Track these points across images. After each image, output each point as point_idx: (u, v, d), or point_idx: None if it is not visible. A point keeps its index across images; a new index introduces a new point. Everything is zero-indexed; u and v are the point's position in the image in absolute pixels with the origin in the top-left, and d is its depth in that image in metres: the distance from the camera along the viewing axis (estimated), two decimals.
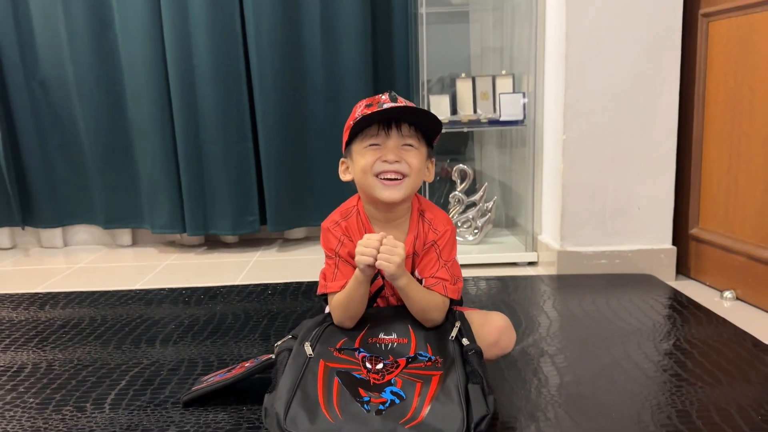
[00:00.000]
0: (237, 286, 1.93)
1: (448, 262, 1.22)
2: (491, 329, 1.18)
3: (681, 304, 1.67)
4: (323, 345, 1.15)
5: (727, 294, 1.76)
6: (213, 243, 2.63)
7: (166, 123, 2.42)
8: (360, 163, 1.17)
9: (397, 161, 1.14)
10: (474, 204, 2.31)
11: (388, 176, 1.15)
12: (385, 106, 1.15)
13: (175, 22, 2.34)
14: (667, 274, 1.94)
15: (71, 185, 2.59)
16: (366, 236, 1.13)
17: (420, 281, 1.22)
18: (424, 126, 1.19)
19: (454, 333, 1.15)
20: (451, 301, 1.22)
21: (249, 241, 2.64)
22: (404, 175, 1.15)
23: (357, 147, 1.19)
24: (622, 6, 1.83)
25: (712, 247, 1.86)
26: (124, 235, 2.68)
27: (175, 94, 2.38)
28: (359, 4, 2.36)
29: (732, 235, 1.78)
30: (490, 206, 2.30)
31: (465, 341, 1.12)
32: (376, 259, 1.09)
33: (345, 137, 1.22)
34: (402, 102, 1.17)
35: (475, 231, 2.29)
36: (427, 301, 1.16)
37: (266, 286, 1.91)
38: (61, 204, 2.61)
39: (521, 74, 2.25)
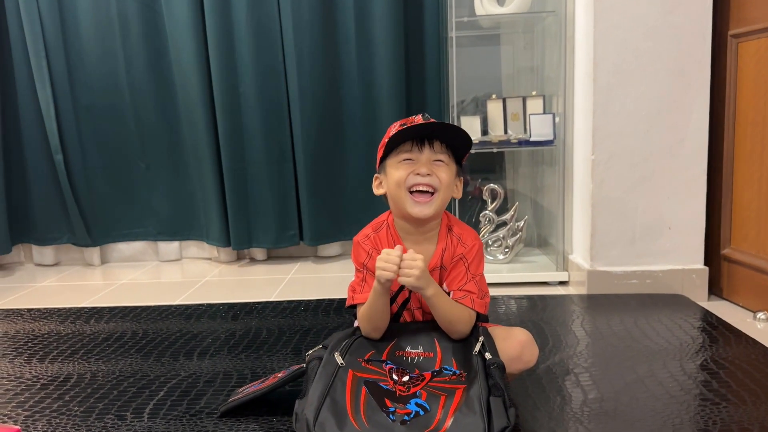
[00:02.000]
0: (272, 302, 1.99)
1: (476, 276, 1.26)
2: (513, 343, 1.21)
3: (711, 325, 1.66)
4: (352, 356, 1.20)
5: (761, 315, 1.75)
6: (251, 260, 2.71)
7: (212, 145, 2.55)
8: (394, 177, 1.23)
9: (429, 174, 1.20)
10: (505, 223, 2.34)
11: (420, 188, 1.20)
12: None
13: (222, 52, 2.46)
14: (699, 294, 1.93)
15: (122, 202, 2.73)
16: (385, 251, 1.18)
17: (448, 294, 1.26)
18: (455, 144, 1.24)
19: (477, 347, 1.18)
20: (477, 315, 1.26)
21: (284, 258, 2.71)
22: (435, 189, 1.21)
23: (391, 161, 1.25)
24: (649, 28, 1.85)
25: (744, 267, 1.85)
26: (171, 251, 2.78)
27: (221, 119, 2.51)
28: (392, 30, 2.45)
29: (765, 256, 1.76)
30: (521, 225, 2.33)
31: (488, 355, 1.15)
32: (396, 274, 1.15)
33: (380, 154, 1.28)
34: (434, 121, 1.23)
35: (506, 250, 2.32)
36: (454, 312, 1.20)
37: (299, 302, 1.97)
38: (109, 221, 2.75)
39: (551, 95, 2.28)
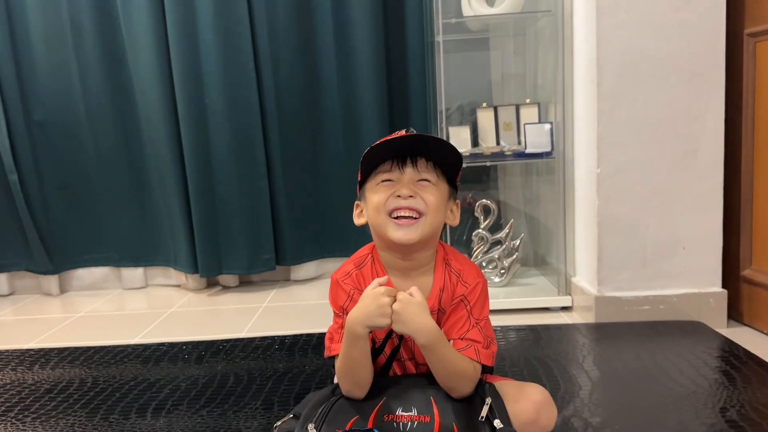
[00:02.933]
0: (242, 339, 1.77)
1: (480, 321, 1.06)
2: (528, 405, 1.00)
3: (738, 359, 1.47)
4: (330, 426, 0.98)
5: None
6: (222, 288, 2.48)
7: (176, 162, 2.32)
8: (372, 201, 1.04)
9: (411, 196, 1.01)
10: (499, 242, 2.14)
11: (402, 213, 1.02)
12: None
13: (185, 60, 2.25)
14: (717, 320, 1.74)
15: (79, 226, 2.49)
16: (372, 291, 0.98)
17: None
18: (443, 162, 1.05)
19: (484, 412, 0.97)
20: (483, 368, 1.05)
21: (260, 283, 2.49)
22: (420, 213, 1.02)
23: (370, 185, 1.06)
24: (658, 27, 1.67)
25: (767, 290, 1.66)
26: (135, 278, 2.54)
27: (185, 133, 2.28)
28: (373, 36, 2.28)
29: None
30: (517, 245, 2.13)
31: (497, 423, 0.95)
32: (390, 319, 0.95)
33: (359, 177, 1.08)
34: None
35: (502, 272, 2.11)
36: (456, 366, 1.00)
37: (273, 339, 1.75)
38: (69, 246, 2.50)
39: (547, 103, 2.09)
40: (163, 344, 1.77)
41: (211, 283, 2.50)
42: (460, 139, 2.13)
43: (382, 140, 1.02)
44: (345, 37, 2.31)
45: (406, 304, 0.97)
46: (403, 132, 1.05)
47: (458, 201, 1.12)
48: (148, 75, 2.27)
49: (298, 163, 2.36)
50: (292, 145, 2.35)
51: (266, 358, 1.60)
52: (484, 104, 2.20)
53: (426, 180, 1.04)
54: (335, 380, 1.10)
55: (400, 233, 1.01)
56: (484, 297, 1.08)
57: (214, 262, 2.34)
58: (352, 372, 1.02)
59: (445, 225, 1.10)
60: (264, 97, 2.31)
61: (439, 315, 1.08)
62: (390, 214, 1.02)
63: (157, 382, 1.50)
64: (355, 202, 1.12)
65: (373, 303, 0.97)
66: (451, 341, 1.04)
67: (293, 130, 2.35)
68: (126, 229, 2.48)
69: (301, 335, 1.76)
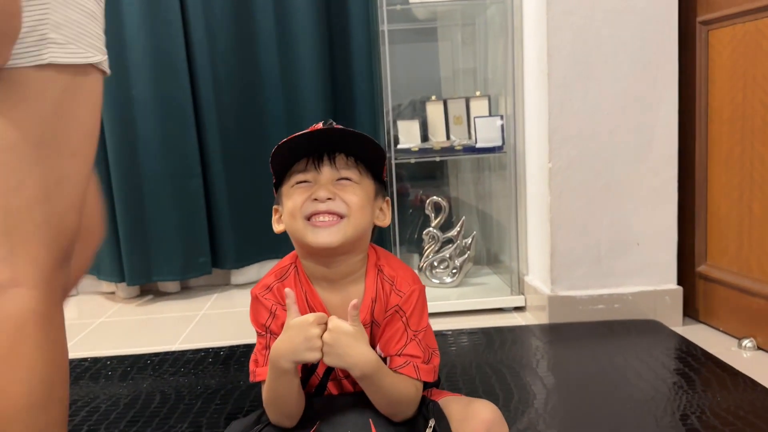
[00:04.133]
0: (173, 353, 1.62)
1: (418, 333, 0.95)
2: (476, 425, 0.89)
3: (697, 359, 1.41)
4: None
5: (747, 343, 1.51)
6: (155, 295, 2.32)
7: (99, 159, 2.13)
8: (288, 206, 0.93)
9: (330, 198, 0.90)
10: (451, 241, 2.04)
11: (321, 218, 0.90)
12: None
13: (108, 48, 2.06)
14: (672, 318, 1.69)
15: None
16: (295, 323, 0.87)
17: (383, 361, 0.94)
18: (365, 156, 0.95)
19: None
20: (425, 384, 0.95)
21: (199, 289, 2.34)
22: (341, 216, 0.90)
23: (285, 188, 0.95)
24: (609, 15, 1.60)
25: (723, 286, 1.61)
26: None
27: (109, 127, 2.11)
28: (315, 26, 2.16)
29: (748, 274, 1.53)
30: (468, 243, 2.04)
31: None
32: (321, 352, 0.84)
33: (274, 178, 0.96)
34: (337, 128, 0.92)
35: (454, 271, 2.02)
36: (396, 393, 0.89)
37: (207, 351, 1.61)
38: None
39: (498, 95, 2.01)
40: (85, 360, 1.62)
41: (146, 290, 2.34)
42: (409, 133, 2.03)
43: (291, 136, 0.91)
44: (286, 26, 2.18)
45: (338, 335, 0.86)
46: (320, 125, 0.94)
47: (388, 198, 1.02)
48: None
49: (237, 159, 2.23)
50: (231, 141, 2.21)
51: (198, 374, 1.47)
52: (434, 97, 2.11)
53: (346, 179, 0.93)
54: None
55: (319, 237, 0.90)
56: (422, 305, 0.98)
57: (144, 269, 2.17)
58: (280, 404, 0.91)
59: (375, 227, 0.99)
60: (198, 89, 2.16)
61: (373, 328, 0.97)
62: (308, 219, 0.91)
63: (76, 402, 1.35)
64: (274, 206, 1.00)
65: (299, 335, 0.86)
66: (388, 358, 0.94)
67: (231, 125, 2.21)
68: None
69: (237, 346, 1.63)
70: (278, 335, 0.92)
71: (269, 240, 2.29)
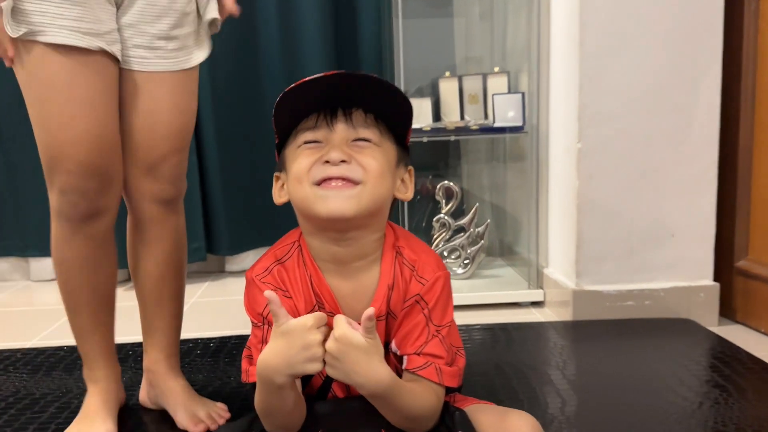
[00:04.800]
0: None
1: (442, 329, 0.80)
2: None
3: (739, 363, 1.26)
4: None
5: None
6: None
7: None
8: (293, 170, 0.77)
9: (344, 161, 0.74)
10: (463, 229, 1.89)
11: (333, 183, 0.75)
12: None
13: None
14: (707, 317, 1.54)
15: None
16: (291, 327, 0.71)
17: (399, 359, 0.79)
18: (388, 113, 0.78)
19: None
20: (447, 389, 0.80)
21: (190, 276, 2.18)
22: (356, 183, 0.75)
23: (290, 149, 0.79)
24: None
25: (766, 284, 1.46)
26: (45, 269, 2.20)
27: None
28: None
29: None
30: (481, 231, 1.88)
31: None
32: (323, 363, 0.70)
33: (276, 138, 0.81)
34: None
35: (466, 262, 1.87)
36: (413, 404, 0.74)
37: (196, 342, 1.46)
38: None
39: (518, 71, 1.85)
40: (61, 348, 1.47)
41: (123, 277, 2.18)
42: (420, 112, 1.87)
43: (299, 82, 0.75)
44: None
45: (346, 347, 0.70)
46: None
47: (411, 168, 0.86)
48: None
49: (233, 136, 2.07)
50: (227, 117, 2.06)
51: (184, 367, 1.30)
52: (447, 74, 1.95)
53: (365, 140, 0.78)
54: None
55: (330, 204, 0.74)
56: (447, 296, 0.83)
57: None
58: (274, 415, 0.77)
59: (395, 200, 0.84)
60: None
61: (389, 321, 0.82)
62: (317, 185, 0.76)
63: (43, 398, 1.20)
64: (275, 174, 0.85)
65: (296, 342, 0.70)
66: (405, 357, 0.79)
67: (228, 100, 2.05)
68: (32, 213, 2.13)
69: (229, 338, 1.47)
70: None
71: (267, 225, 2.14)
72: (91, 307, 1.03)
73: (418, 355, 0.78)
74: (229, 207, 2.10)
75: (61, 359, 1.40)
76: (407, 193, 0.84)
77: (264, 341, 0.79)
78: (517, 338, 1.43)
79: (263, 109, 2.09)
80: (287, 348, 0.70)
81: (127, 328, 1.62)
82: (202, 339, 1.47)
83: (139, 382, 1.19)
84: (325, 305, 0.81)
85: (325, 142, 0.77)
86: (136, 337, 1.50)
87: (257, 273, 0.82)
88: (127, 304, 1.78)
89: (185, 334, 1.52)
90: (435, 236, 1.90)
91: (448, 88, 1.94)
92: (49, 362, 1.38)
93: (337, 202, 0.74)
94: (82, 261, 0.97)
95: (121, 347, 1.43)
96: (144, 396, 1.14)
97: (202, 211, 2.06)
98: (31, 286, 2.17)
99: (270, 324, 0.79)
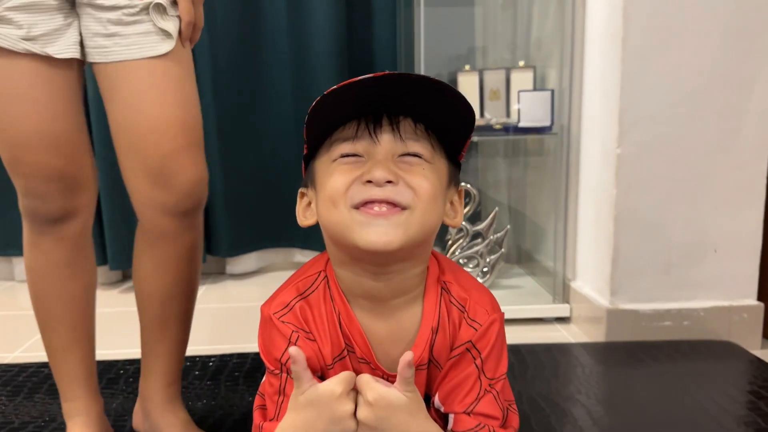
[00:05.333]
0: None
1: (496, 383, 0.67)
2: None
3: None
4: None
5: None
6: None
7: None
8: (326, 189, 0.63)
9: (390, 181, 0.61)
10: (480, 235, 1.76)
11: (376, 208, 0.61)
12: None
13: None
14: (749, 339, 1.42)
15: None
16: (317, 396, 0.60)
17: (442, 417, 0.67)
18: (443, 123, 0.65)
19: None
20: None
21: None
22: (404, 207, 0.61)
23: (322, 162, 0.66)
24: None
25: None
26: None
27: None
28: None
29: None
30: (500, 238, 1.75)
31: None
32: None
33: (305, 149, 0.67)
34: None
35: (485, 270, 1.74)
36: None
37: (193, 361, 1.32)
38: None
39: (545, 67, 1.71)
40: (45, 365, 1.33)
41: (127, 276, 2.05)
42: None
43: (340, 85, 0.61)
44: None
45: (384, 411, 0.59)
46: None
47: (462, 187, 0.73)
48: None
49: (235, 130, 1.93)
50: (228, 109, 1.91)
51: (182, 391, 1.18)
52: (467, 67, 1.81)
53: (414, 155, 0.64)
54: None
55: (372, 234, 0.61)
56: (502, 342, 0.70)
57: (128, 251, 1.88)
58: None
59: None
60: (195, 48, 1.85)
61: (431, 370, 0.69)
62: (355, 208, 0.62)
63: (24, 427, 1.07)
64: (300, 190, 0.71)
65: (323, 415, 0.59)
66: (451, 416, 0.66)
67: (229, 90, 1.90)
68: (12, 207, 1.98)
69: (230, 356, 1.34)
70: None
71: (270, 225, 2.01)
72: (66, 321, 0.91)
73: (468, 414, 0.66)
74: (231, 206, 1.97)
75: (45, 378, 1.26)
76: (456, 218, 0.71)
77: (281, 392, 0.67)
78: (547, 363, 1.31)
79: (267, 101, 1.95)
80: (311, 422, 0.58)
81: (120, 341, 1.48)
82: (200, 357, 1.34)
83: (132, 410, 1.06)
84: (356, 349, 0.68)
85: (366, 156, 0.63)
86: (130, 351, 1.37)
87: (276, 309, 0.68)
88: (119, 309, 1.64)
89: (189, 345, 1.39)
90: (450, 242, 1.77)
91: (467, 83, 1.80)
92: (32, 382, 1.25)
93: (380, 231, 0.60)
94: (53, 267, 0.89)
95: (111, 365, 1.30)
96: (138, 423, 1.01)
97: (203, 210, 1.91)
98: (16, 286, 2.03)
99: (289, 372, 0.66)
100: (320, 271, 0.71)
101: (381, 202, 0.61)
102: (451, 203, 0.70)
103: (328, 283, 0.70)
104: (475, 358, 0.67)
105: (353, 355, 0.68)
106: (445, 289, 0.70)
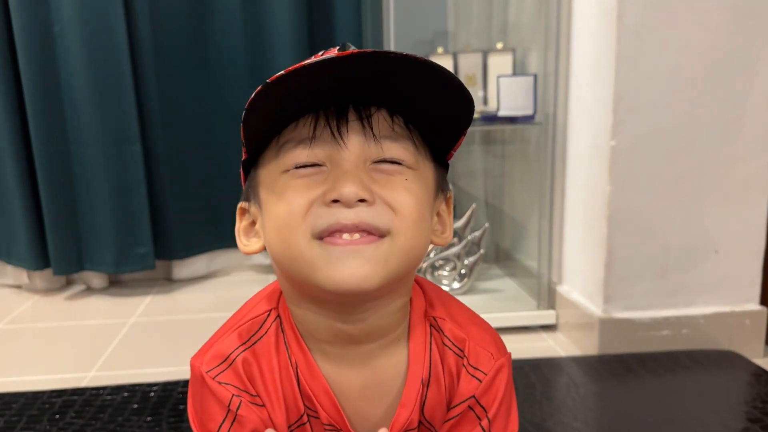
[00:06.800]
0: (83, 391, 1.13)
1: None
2: None
3: None
4: None
5: None
6: (88, 288, 1.81)
7: (12, 114, 1.64)
8: (276, 212, 0.47)
9: (363, 200, 0.45)
10: (456, 234, 1.61)
11: (345, 236, 0.45)
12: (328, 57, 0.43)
13: None
14: (751, 346, 1.30)
15: None
16: None
17: None
18: (430, 114, 0.49)
19: None
20: None
21: (132, 284, 1.85)
22: (382, 234, 0.45)
23: (269, 171, 0.48)
24: None
25: None
26: None
27: (26, 75, 1.61)
28: None
29: None
30: (478, 237, 1.60)
31: None
32: None
33: (244, 153, 0.50)
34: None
35: (463, 273, 1.59)
36: None
37: (132, 390, 1.13)
38: None
39: (526, 49, 1.56)
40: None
41: (70, 283, 1.84)
42: None
43: (290, 69, 0.44)
44: None
45: None
46: (334, 49, 0.48)
47: (451, 194, 0.57)
48: None
49: (184, 120, 1.74)
50: (176, 98, 1.72)
51: (116, 430, 1.00)
52: (440, 50, 1.66)
53: (394, 162, 0.48)
54: None
55: (341, 272, 0.45)
56: (511, 393, 0.55)
57: (72, 254, 1.70)
58: None
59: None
60: (136, 29, 1.66)
61: None
62: (319, 239, 0.46)
63: None
64: (239, 205, 0.54)
65: None
66: None
67: (178, 75, 1.71)
68: None
69: (175, 384, 1.15)
70: None
71: (225, 222, 1.82)
72: None
73: None
74: (179, 202, 1.77)
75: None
76: (445, 233, 0.55)
77: None
78: (537, 382, 1.16)
79: (218, 86, 1.76)
80: None
81: (53, 364, 1.28)
82: (139, 386, 1.15)
83: None
84: (320, 413, 0.51)
85: (329, 165, 0.47)
86: (64, 377, 1.16)
87: (211, 366, 0.51)
88: (53, 324, 1.44)
89: (119, 374, 1.21)
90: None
91: None
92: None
93: (353, 266, 0.44)
94: None
95: (35, 398, 1.11)
96: None
97: (149, 208, 1.72)
98: None
99: None
100: (270, 310, 0.54)
101: (352, 229, 0.45)
102: (439, 215, 0.54)
103: (281, 325, 0.53)
104: (480, 419, 0.52)
105: (316, 421, 0.52)
106: (435, 327, 0.54)
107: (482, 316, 0.58)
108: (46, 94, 1.62)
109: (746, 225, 1.28)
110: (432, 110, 0.48)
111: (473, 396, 0.52)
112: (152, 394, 1.12)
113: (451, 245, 1.59)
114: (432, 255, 1.59)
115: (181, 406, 1.07)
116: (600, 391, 1.15)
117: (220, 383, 0.50)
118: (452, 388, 0.53)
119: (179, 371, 1.22)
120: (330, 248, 0.45)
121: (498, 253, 1.84)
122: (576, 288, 1.40)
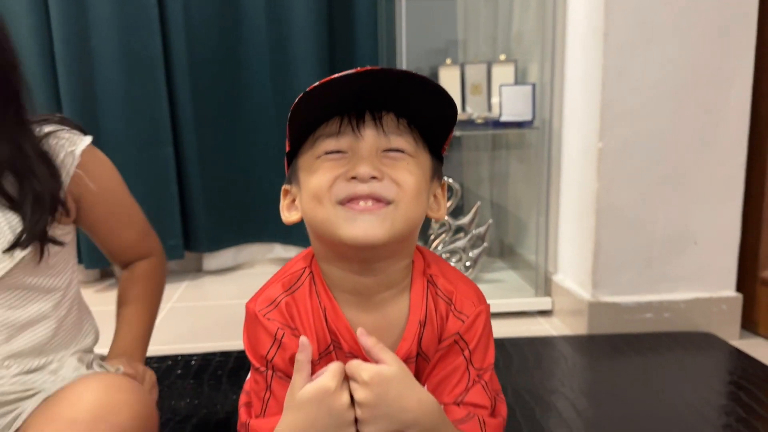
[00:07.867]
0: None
1: (484, 373, 0.68)
2: None
3: (764, 379, 1.17)
4: None
5: None
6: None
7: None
8: (310, 186, 0.63)
9: (375, 177, 0.61)
10: (462, 229, 1.76)
11: (361, 203, 0.61)
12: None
13: None
14: (728, 329, 1.44)
15: None
16: (309, 396, 0.61)
17: None
18: (427, 118, 0.65)
19: None
20: None
21: (171, 273, 2.01)
22: (389, 202, 0.61)
23: (305, 159, 0.65)
24: None
25: None
26: None
27: (64, 85, 1.78)
28: None
29: None
30: (482, 232, 1.76)
31: None
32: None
33: (287, 146, 0.66)
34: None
35: (468, 265, 1.74)
36: None
37: (175, 360, 1.30)
38: None
39: (527, 61, 1.72)
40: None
41: (104, 275, 2.01)
42: None
43: (323, 81, 0.60)
44: None
45: (380, 387, 0.60)
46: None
47: (445, 180, 0.73)
48: (16, 4, 1.73)
49: (213, 125, 1.91)
50: (206, 104, 1.89)
51: (163, 391, 1.16)
52: (448, 61, 1.81)
53: (398, 150, 0.64)
54: None
55: (358, 228, 0.61)
56: (489, 333, 0.71)
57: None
58: None
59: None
60: (170, 41, 1.83)
61: (419, 363, 0.69)
62: (341, 204, 0.62)
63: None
64: (283, 187, 0.71)
65: (321, 413, 0.60)
66: (442, 406, 0.66)
67: (208, 85, 1.88)
68: None
69: (213, 355, 1.32)
70: (284, 373, 0.64)
71: (250, 219, 1.99)
72: None
73: (458, 405, 0.66)
74: (209, 200, 1.94)
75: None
76: (440, 211, 0.71)
77: (268, 389, 0.66)
78: (531, 356, 1.31)
79: (246, 95, 1.93)
80: (311, 420, 0.57)
81: (102, 338, 1.44)
82: (182, 355, 1.32)
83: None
84: (343, 344, 0.67)
85: (350, 152, 0.63)
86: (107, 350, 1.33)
87: (261, 306, 0.67)
88: (95, 309, 1.59)
89: (162, 349, 1.37)
90: (433, 237, 1.77)
91: (449, 77, 1.80)
92: None
93: (366, 225, 0.61)
94: None
95: (210, 359, 1.27)
96: None
97: (180, 206, 1.89)
98: None
99: (275, 369, 0.65)
100: (305, 267, 0.70)
101: (366, 197, 0.61)
102: (435, 197, 0.70)
103: (313, 279, 0.69)
104: (462, 350, 0.67)
105: (340, 351, 0.68)
106: (431, 282, 0.70)
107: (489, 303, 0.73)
108: (82, 105, 1.79)
109: (723, 219, 1.42)
110: (426, 112, 0.64)
111: (458, 333, 0.68)
112: (192, 362, 1.29)
113: (458, 239, 1.74)
114: (440, 248, 1.74)
115: (219, 372, 1.23)
116: (587, 364, 1.29)
117: (269, 319, 0.66)
118: (442, 327, 0.68)
119: (214, 346, 1.38)
120: (349, 211, 0.61)
121: (503, 249, 1.99)
122: (569, 276, 1.55)
